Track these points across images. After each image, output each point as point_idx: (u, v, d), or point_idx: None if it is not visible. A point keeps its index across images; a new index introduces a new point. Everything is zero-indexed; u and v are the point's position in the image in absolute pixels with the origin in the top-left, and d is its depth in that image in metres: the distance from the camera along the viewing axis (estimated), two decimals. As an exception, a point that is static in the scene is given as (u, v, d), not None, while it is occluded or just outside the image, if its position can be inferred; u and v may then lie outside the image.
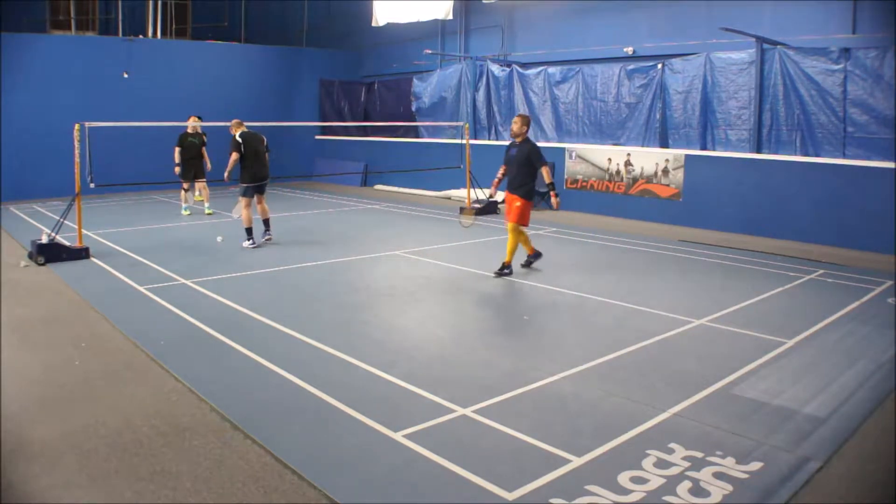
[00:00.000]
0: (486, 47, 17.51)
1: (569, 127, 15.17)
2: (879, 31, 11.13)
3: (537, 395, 4.67)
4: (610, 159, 13.86)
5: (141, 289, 7.47)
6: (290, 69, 20.31)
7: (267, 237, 10.15)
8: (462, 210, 13.31)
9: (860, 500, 3.54)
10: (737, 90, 12.34)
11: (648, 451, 3.84)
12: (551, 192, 8.03)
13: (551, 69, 15.37)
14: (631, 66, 13.93)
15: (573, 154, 14.51)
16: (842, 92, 11.04)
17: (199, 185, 13.41)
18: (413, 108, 18.59)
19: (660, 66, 13.41)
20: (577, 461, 3.72)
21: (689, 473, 3.62)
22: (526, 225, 8.24)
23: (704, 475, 3.60)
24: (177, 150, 12.80)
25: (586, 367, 5.18)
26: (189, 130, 12.96)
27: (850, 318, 6.64)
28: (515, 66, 16.21)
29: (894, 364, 5.36)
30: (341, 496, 3.39)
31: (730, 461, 3.75)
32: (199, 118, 13.11)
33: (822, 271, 8.74)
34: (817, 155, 11.40)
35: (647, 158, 13.24)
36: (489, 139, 16.69)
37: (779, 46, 11.72)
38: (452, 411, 4.35)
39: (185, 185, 13.12)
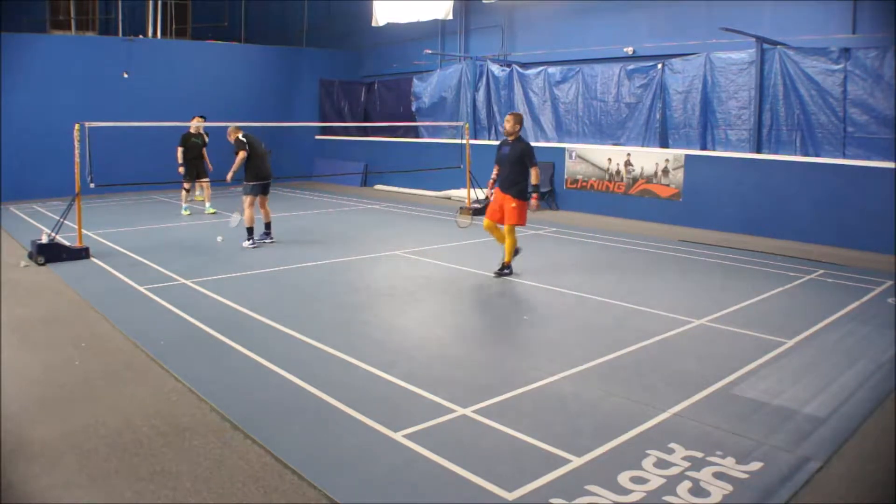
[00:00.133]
0: (486, 47, 17.51)
1: (569, 127, 15.16)
2: (879, 31, 11.14)
3: (537, 395, 4.67)
4: (610, 159, 13.86)
5: (141, 289, 7.47)
6: (290, 69, 20.31)
7: (269, 241, 10.16)
8: (460, 210, 13.30)
9: (860, 500, 3.54)
10: (737, 90, 12.34)
11: (648, 451, 3.84)
12: (533, 195, 7.93)
13: (551, 69, 15.37)
14: (631, 66, 13.93)
15: (573, 154, 14.51)
16: (842, 92, 11.05)
17: (203, 184, 13.42)
18: (413, 108, 18.59)
19: (660, 66, 13.41)
20: (577, 461, 3.72)
21: (689, 473, 3.62)
22: (523, 225, 8.20)
23: (704, 475, 3.60)
24: (179, 150, 12.80)
25: (586, 367, 5.18)
26: (192, 130, 12.96)
27: (850, 318, 6.64)
28: (515, 66, 16.21)
29: (894, 364, 5.36)
30: (341, 496, 3.39)
31: (730, 461, 3.75)
32: (203, 118, 13.10)
33: (822, 271, 8.74)
34: (817, 155, 11.40)
35: (647, 158, 13.24)
36: (489, 139, 16.69)
37: (779, 46, 11.72)
38: (452, 411, 4.35)
39: (187, 186, 13.12)
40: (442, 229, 11.82)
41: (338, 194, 17.41)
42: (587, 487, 3.46)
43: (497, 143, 9.75)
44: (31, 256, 8.84)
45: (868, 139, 10.87)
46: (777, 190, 11.37)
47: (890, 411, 4.54)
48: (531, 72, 15.81)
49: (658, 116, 13.51)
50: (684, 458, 3.77)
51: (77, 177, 9.14)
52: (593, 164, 14.16)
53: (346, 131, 20.59)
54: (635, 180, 13.42)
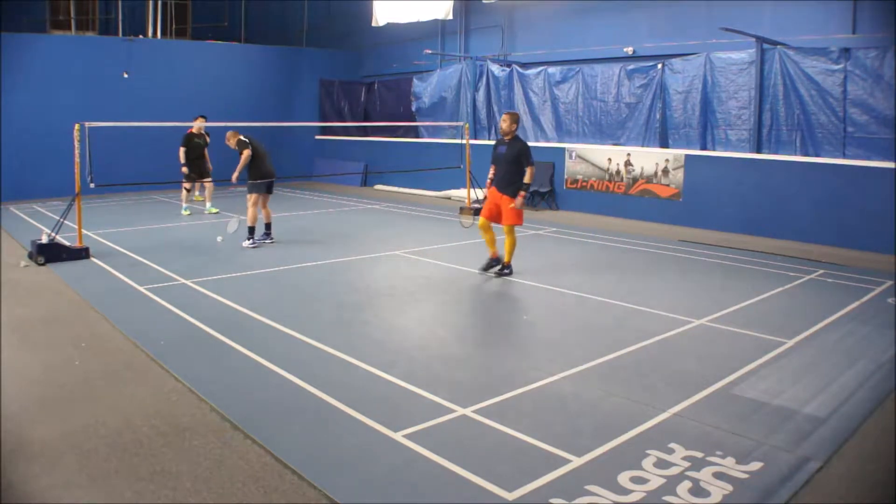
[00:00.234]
0: (486, 47, 17.51)
1: (569, 127, 15.16)
2: (879, 31, 11.14)
3: (537, 395, 4.67)
4: (610, 159, 13.87)
5: (141, 289, 7.47)
6: (290, 69, 20.31)
7: (269, 241, 10.16)
8: (461, 210, 13.32)
9: (860, 500, 3.54)
10: (737, 90, 12.34)
11: (648, 451, 3.84)
12: (520, 192, 7.83)
13: (551, 69, 15.37)
14: (631, 66, 13.93)
15: (573, 154, 14.51)
16: (842, 92, 11.04)
17: (206, 184, 13.42)
18: (413, 108, 18.59)
19: (660, 66, 13.41)
20: (577, 461, 3.72)
21: (689, 473, 3.62)
22: (521, 224, 8.18)
23: (704, 475, 3.60)
24: (182, 150, 12.80)
25: (586, 367, 5.18)
26: (194, 131, 12.97)
27: (850, 318, 6.64)
28: (515, 66, 16.21)
29: (894, 364, 5.36)
30: (341, 496, 3.39)
31: (730, 461, 3.75)
32: (205, 118, 13.11)
33: (822, 271, 8.74)
34: (817, 155, 11.40)
35: (647, 158, 13.24)
36: (489, 139, 16.66)
37: (779, 46, 11.72)
38: (452, 411, 4.35)
39: (188, 186, 13.12)
40: (442, 229, 11.82)
41: (338, 194, 17.41)
42: (587, 487, 3.46)
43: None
44: (31, 256, 8.84)
45: (868, 139, 10.87)
46: (777, 190, 11.37)
47: (890, 411, 4.54)
48: (531, 72, 15.80)
49: (658, 116, 13.51)
50: (684, 458, 3.77)
51: (77, 177, 9.14)
52: (593, 164, 14.16)
53: (346, 131, 20.59)
54: (635, 180, 13.42)
